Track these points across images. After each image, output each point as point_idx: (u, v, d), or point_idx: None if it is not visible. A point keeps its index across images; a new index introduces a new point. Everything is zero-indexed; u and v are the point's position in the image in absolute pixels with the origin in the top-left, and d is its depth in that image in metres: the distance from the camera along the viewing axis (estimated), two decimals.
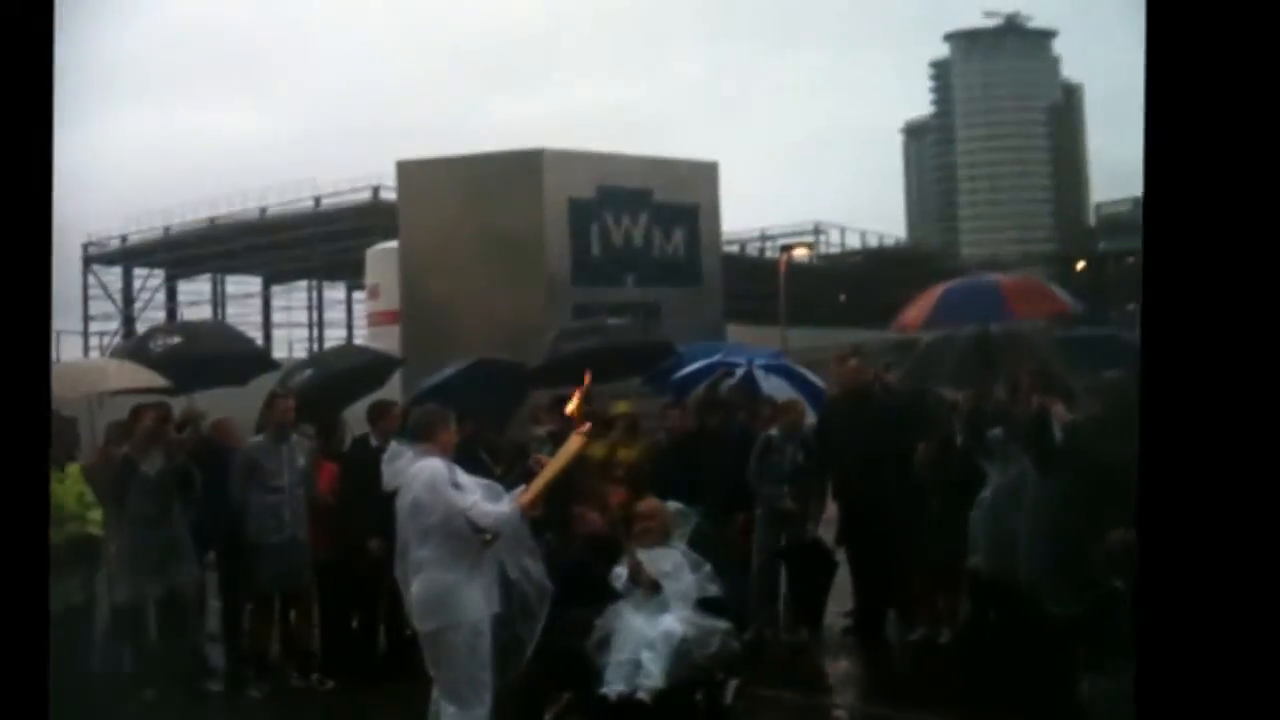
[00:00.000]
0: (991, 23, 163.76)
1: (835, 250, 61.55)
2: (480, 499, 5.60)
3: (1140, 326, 2.21)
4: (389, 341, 17.64)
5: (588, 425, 5.72)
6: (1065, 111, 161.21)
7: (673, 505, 7.40)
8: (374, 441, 8.36)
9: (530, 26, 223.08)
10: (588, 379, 5.84)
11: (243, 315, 53.66)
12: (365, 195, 42.47)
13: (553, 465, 5.76)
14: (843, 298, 53.60)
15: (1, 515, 2.10)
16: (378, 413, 8.76)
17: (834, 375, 9.90)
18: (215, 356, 9.81)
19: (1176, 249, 2.07)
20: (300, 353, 46.05)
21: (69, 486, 7.30)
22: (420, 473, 5.59)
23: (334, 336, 53.00)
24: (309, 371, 10.31)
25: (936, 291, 8.88)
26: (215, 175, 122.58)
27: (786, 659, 9.00)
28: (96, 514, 7.41)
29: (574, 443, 5.74)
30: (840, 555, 9.17)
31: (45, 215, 2.14)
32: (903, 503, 8.45)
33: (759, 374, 10.69)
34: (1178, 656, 2.07)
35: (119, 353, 12.54)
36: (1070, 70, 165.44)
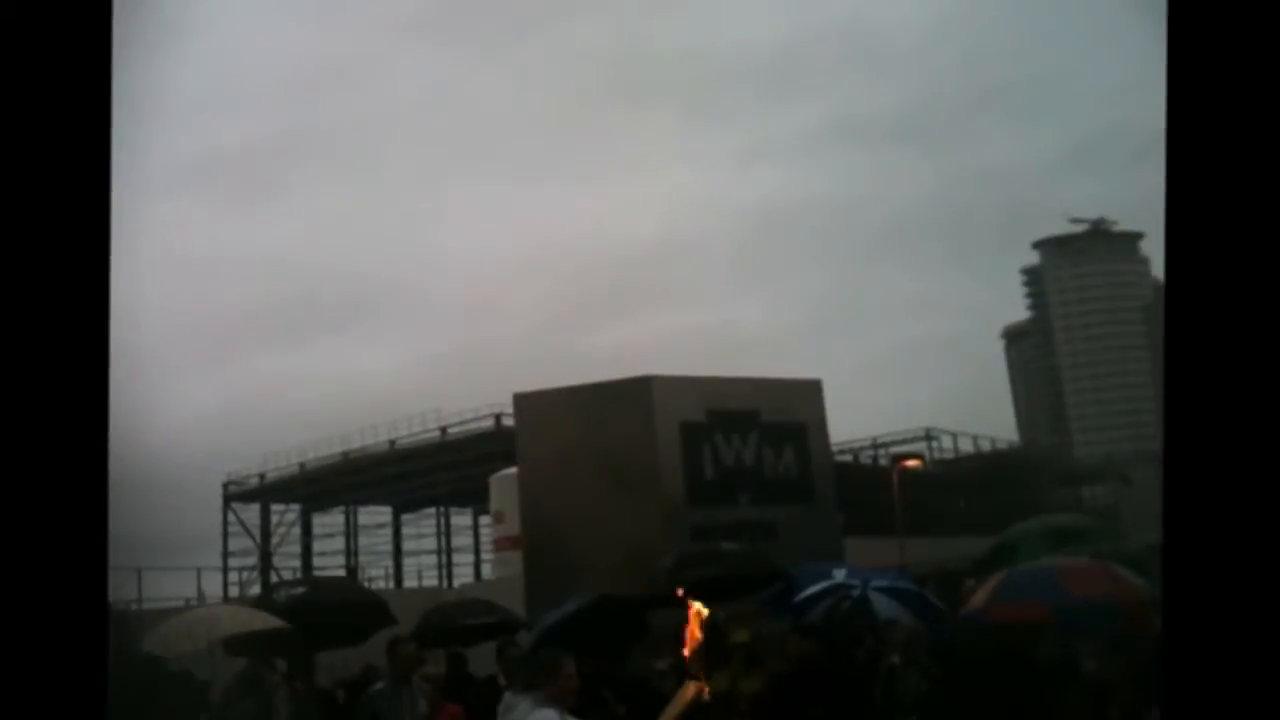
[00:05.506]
0: (1078, 229, 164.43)
1: (948, 455, 60.71)
2: None
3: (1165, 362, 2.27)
4: (513, 566, 17.82)
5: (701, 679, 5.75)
6: (1160, 310, 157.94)
7: None
8: (501, 683, 8.52)
9: (635, 255, 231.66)
10: (694, 620, 5.91)
11: (373, 545, 54.93)
12: (488, 423, 43.36)
13: (669, 712, 5.74)
14: (962, 504, 52.61)
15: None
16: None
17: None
18: (337, 609, 10.25)
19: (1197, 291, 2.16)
20: (430, 580, 46.72)
21: None
22: None
23: (461, 562, 53.72)
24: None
25: (999, 576, 9.94)
26: (348, 410, 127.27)
27: None
28: None
29: (689, 690, 5.73)
30: None
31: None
32: None
33: (874, 596, 10.65)
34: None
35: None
36: (1162, 270, 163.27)
